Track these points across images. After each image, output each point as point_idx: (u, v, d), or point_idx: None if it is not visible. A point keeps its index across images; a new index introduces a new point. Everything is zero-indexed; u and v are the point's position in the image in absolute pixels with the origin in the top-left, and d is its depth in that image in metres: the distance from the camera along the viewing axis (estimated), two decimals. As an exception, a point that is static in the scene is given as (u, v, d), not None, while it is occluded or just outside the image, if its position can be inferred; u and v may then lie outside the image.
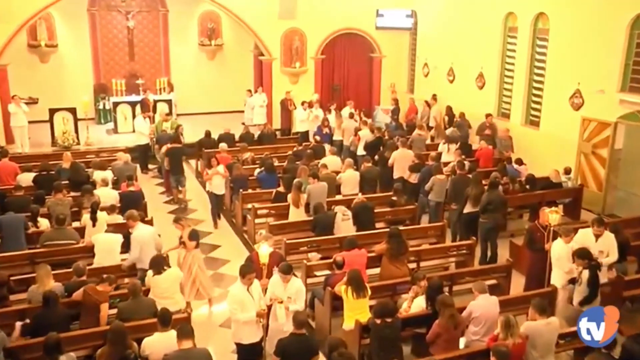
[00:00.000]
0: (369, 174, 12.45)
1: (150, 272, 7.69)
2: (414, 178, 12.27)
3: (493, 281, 8.94)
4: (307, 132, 17.13)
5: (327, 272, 8.75)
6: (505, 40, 16.07)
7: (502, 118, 16.01)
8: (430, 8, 18.99)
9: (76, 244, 9.22)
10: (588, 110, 13.28)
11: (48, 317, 6.80)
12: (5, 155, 12.59)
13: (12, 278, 8.04)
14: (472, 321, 7.02)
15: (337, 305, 7.90)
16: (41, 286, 7.35)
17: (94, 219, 9.38)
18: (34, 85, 18.80)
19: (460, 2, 17.52)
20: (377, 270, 8.89)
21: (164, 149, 13.66)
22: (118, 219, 9.67)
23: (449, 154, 13.70)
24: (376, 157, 13.47)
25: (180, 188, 13.57)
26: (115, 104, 18.55)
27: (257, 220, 11.20)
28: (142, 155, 15.59)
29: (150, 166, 15.79)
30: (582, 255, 7.78)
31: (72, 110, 16.93)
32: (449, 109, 17.22)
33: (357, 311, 7.43)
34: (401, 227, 9.55)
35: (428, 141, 16.09)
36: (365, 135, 14.63)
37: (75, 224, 10.07)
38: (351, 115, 16.50)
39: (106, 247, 8.67)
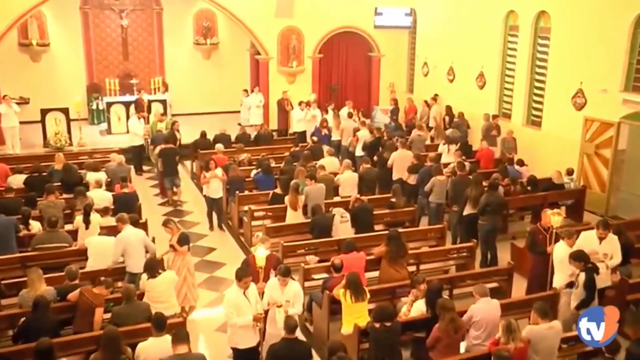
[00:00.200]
0: (367, 175, 12.45)
1: (144, 276, 7.67)
2: (412, 179, 12.28)
3: (494, 284, 8.95)
4: (304, 133, 17.15)
5: (325, 275, 8.74)
6: (506, 39, 16.10)
7: (503, 118, 16.00)
8: (430, 6, 19.02)
9: (69, 246, 9.19)
10: (591, 110, 13.30)
11: (37, 323, 6.77)
12: (-5, 156, 12.58)
13: (2, 282, 8.04)
14: (472, 325, 7.01)
15: (335, 309, 7.87)
16: (32, 290, 7.32)
17: (87, 222, 9.36)
18: (25, 85, 18.75)
19: (461, 0, 17.55)
20: (376, 274, 8.87)
21: (157, 149, 13.66)
22: (111, 221, 9.62)
23: (449, 155, 13.72)
24: (375, 158, 13.48)
25: (174, 190, 13.56)
26: (109, 104, 18.55)
27: (253, 223, 11.19)
28: (137, 156, 15.57)
29: (145, 167, 15.77)
30: (579, 257, 7.75)
31: (65, 111, 16.90)
32: (449, 109, 17.25)
33: (355, 315, 7.42)
34: (400, 230, 9.56)
35: (428, 142, 16.11)
36: (364, 135, 14.65)
37: (68, 227, 10.03)
38: (350, 115, 16.51)
39: (99, 250, 8.64)
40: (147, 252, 8.69)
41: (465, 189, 10.80)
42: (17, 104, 16.97)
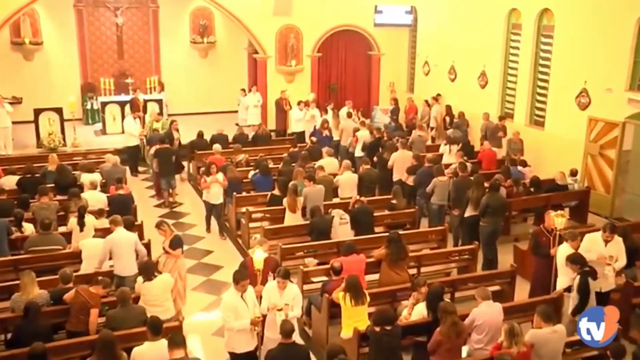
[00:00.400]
0: (367, 177, 12.45)
1: (140, 279, 7.67)
2: (411, 180, 12.29)
3: (496, 287, 8.96)
4: (303, 133, 17.15)
5: (325, 278, 8.74)
6: (509, 38, 16.11)
7: (506, 118, 16.01)
8: (431, 4, 19.04)
9: (62, 249, 9.18)
10: (595, 109, 13.31)
11: (29, 328, 6.76)
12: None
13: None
14: (474, 329, 7.01)
15: (334, 312, 7.87)
16: (25, 294, 7.32)
17: (81, 224, 9.35)
18: (17, 84, 18.75)
19: (462, -2, 17.60)
20: (376, 276, 8.87)
21: (152, 149, 13.64)
22: (106, 223, 9.59)
23: (450, 156, 13.73)
24: (375, 158, 13.49)
25: (170, 191, 13.55)
26: (104, 104, 18.54)
27: (251, 225, 11.19)
28: (132, 157, 15.57)
29: (140, 168, 15.76)
30: (575, 260, 7.76)
31: (59, 111, 16.87)
32: (449, 109, 17.26)
33: (355, 319, 7.42)
34: (401, 232, 9.56)
35: (429, 142, 16.11)
36: (364, 136, 14.65)
37: (62, 229, 10.03)
38: (349, 115, 16.50)
39: (94, 253, 8.63)
40: (137, 256, 8.67)
41: (467, 191, 10.81)
42: (10, 103, 16.96)
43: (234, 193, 11.90)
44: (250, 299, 6.89)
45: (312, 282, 9.01)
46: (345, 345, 6.93)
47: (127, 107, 17.88)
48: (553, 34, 14.50)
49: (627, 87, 12.55)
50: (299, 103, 17.64)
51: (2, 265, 8.89)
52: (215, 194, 11.75)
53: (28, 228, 9.73)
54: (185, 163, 15.77)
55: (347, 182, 12.10)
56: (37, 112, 16.80)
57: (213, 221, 12.13)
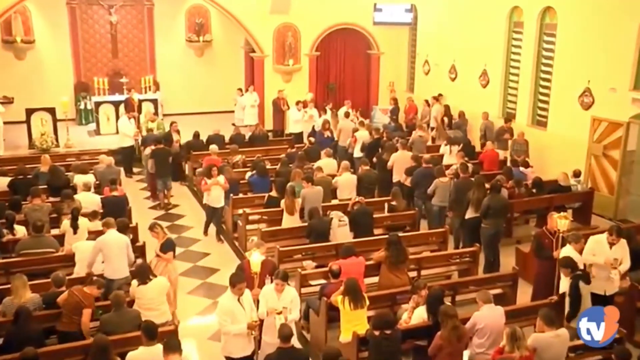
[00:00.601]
0: (366, 178, 12.45)
1: (135, 282, 7.67)
2: (409, 181, 12.30)
3: (498, 290, 8.96)
4: (301, 134, 17.15)
5: (323, 281, 8.74)
6: (511, 36, 16.13)
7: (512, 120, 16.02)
8: (431, 2, 19.06)
9: (55, 252, 9.17)
10: (598, 109, 13.33)
11: (20, 333, 6.74)
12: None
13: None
14: (476, 333, 7.02)
15: (333, 316, 7.88)
16: (17, 298, 7.32)
17: (74, 226, 9.34)
18: (9, 83, 18.75)
19: (463, -4, 17.62)
20: (375, 279, 8.89)
21: (147, 150, 13.63)
22: (100, 225, 9.61)
23: (451, 156, 13.74)
24: (374, 159, 13.49)
25: (166, 192, 13.55)
26: (98, 104, 18.52)
27: (248, 227, 11.19)
28: (127, 158, 15.56)
29: (135, 169, 15.75)
30: (566, 264, 7.76)
31: (51, 111, 16.85)
32: (448, 109, 17.28)
33: (354, 322, 7.42)
34: (401, 234, 9.58)
35: (429, 142, 16.12)
36: (363, 136, 14.66)
37: (55, 231, 10.02)
38: (347, 115, 16.48)
39: (87, 256, 8.60)
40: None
41: (468, 192, 10.81)
42: (1, 103, 17.02)
43: (231, 195, 11.88)
44: (248, 303, 6.89)
45: (310, 285, 8.99)
46: (344, 350, 6.95)
47: (122, 107, 17.86)
48: (556, 32, 14.52)
49: (632, 86, 12.57)
50: (297, 103, 17.63)
51: (-7, 268, 8.87)
52: (217, 196, 11.59)
53: (20, 230, 9.70)
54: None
55: (346, 183, 12.10)
56: (29, 112, 16.77)
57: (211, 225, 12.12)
